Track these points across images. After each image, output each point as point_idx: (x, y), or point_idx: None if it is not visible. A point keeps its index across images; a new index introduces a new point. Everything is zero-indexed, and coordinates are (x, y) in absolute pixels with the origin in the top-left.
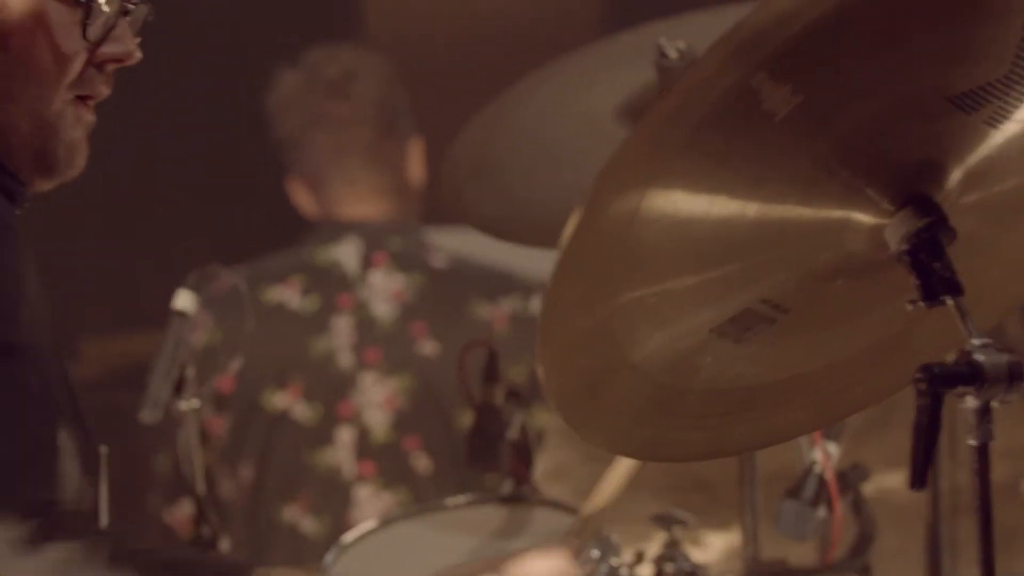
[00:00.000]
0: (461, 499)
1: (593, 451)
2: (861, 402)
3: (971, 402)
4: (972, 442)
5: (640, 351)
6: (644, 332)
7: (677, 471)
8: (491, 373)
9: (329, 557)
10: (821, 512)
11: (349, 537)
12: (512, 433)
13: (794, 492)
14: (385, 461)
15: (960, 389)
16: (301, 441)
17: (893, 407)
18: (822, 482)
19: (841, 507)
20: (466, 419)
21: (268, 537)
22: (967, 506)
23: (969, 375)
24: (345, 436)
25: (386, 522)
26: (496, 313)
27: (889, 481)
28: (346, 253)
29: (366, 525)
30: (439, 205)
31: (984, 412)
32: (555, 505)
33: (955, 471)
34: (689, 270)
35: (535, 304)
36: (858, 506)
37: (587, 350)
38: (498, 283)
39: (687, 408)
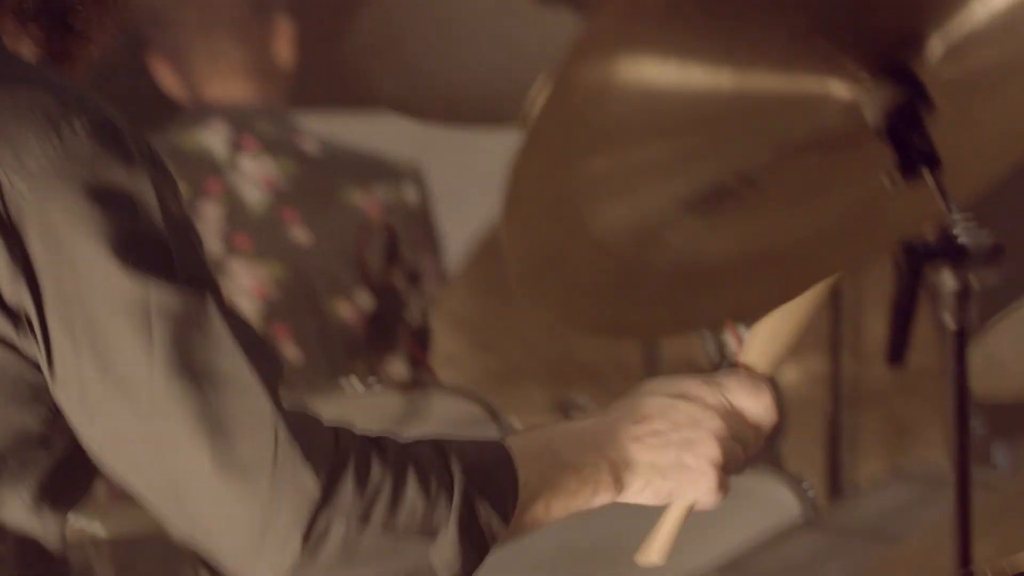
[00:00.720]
0: (359, 385)
1: (484, 340)
2: (830, 271)
3: (949, 281)
4: (951, 326)
5: (605, 225)
6: (610, 206)
7: (564, 360)
8: (390, 255)
9: None
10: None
11: None
12: (411, 316)
13: None
14: None
15: (939, 264)
16: None
17: None
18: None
19: None
20: (340, 309)
21: None
22: (869, 398)
23: (949, 251)
24: None
25: None
26: (369, 200)
27: (788, 376)
28: (213, 138)
29: None
30: (343, 86)
31: (964, 294)
32: (454, 392)
33: (858, 363)
34: (659, 142)
35: (408, 192)
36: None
37: (551, 223)
38: (371, 169)
39: (652, 284)
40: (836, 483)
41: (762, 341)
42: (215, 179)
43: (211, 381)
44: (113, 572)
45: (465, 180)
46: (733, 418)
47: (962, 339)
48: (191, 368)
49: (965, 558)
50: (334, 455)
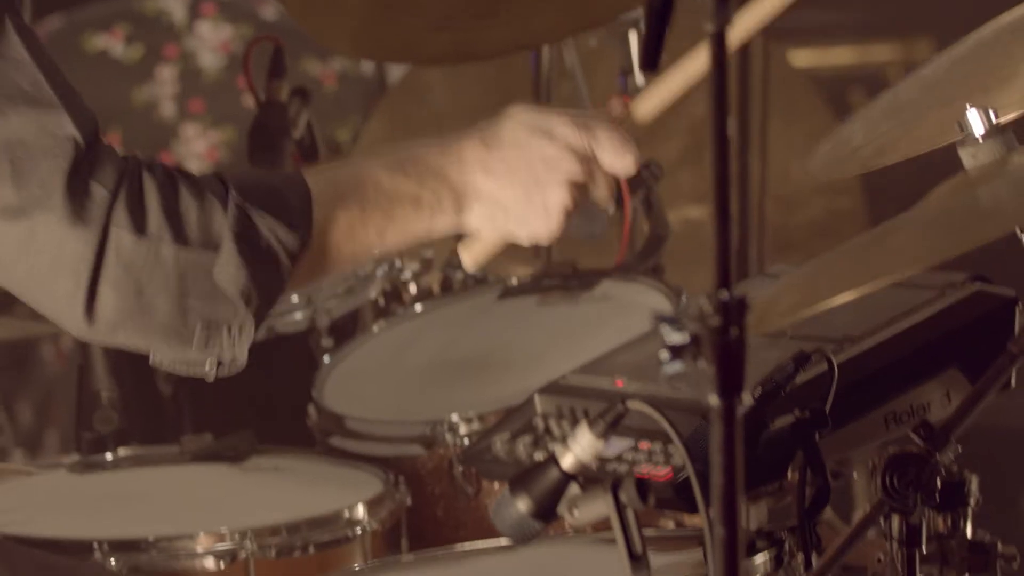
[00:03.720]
0: None
1: None
2: (616, 9)
3: None
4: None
5: None
6: None
7: None
8: (276, 68)
9: None
10: (610, 209)
11: None
12: (297, 131)
13: None
14: None
15: None
16: None
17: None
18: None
19: (632, 205)
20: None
21: None
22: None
23: None
24: None
25: None
26: (325, 71)
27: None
28: (173, 3)
29: None
30: None
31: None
32: None
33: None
34: None
35: (365, 63)
36: (650, 205)
37: None
38: None
39: (431, 5)
40: None
41: (650, 98)
42: (173, 44)
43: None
44: None
45: None
46: (590, 166)
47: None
48: None
49: None
50: (117, 177)
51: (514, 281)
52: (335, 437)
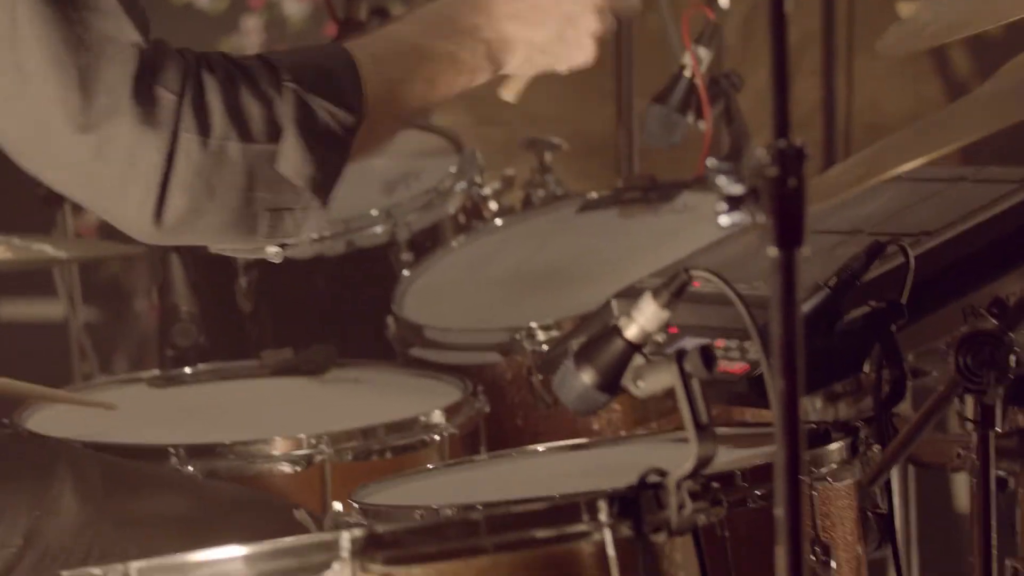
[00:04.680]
0: None
1: None
2: None
3: None
4: None
5: None
6: None
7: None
8: None
9: None
10: (689, 118)
11: None
12: None
13: (661, 97)
14: None
15: None
16: None
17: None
18: (691, 87)
19: (712, 115)
20: None
21: None
22: None
23: None
24: None
25: None
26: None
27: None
28: None
29: None
30: None
31: None
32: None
33: None
34: None
35: None
36: (730, 115)
37: None
38: None
39: None
40: None
41: None
42: None
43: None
44: None
45: None
46: None
47: None
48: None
49: None
50: (181, 80)
51: (594, 195)
52: (414, 348)
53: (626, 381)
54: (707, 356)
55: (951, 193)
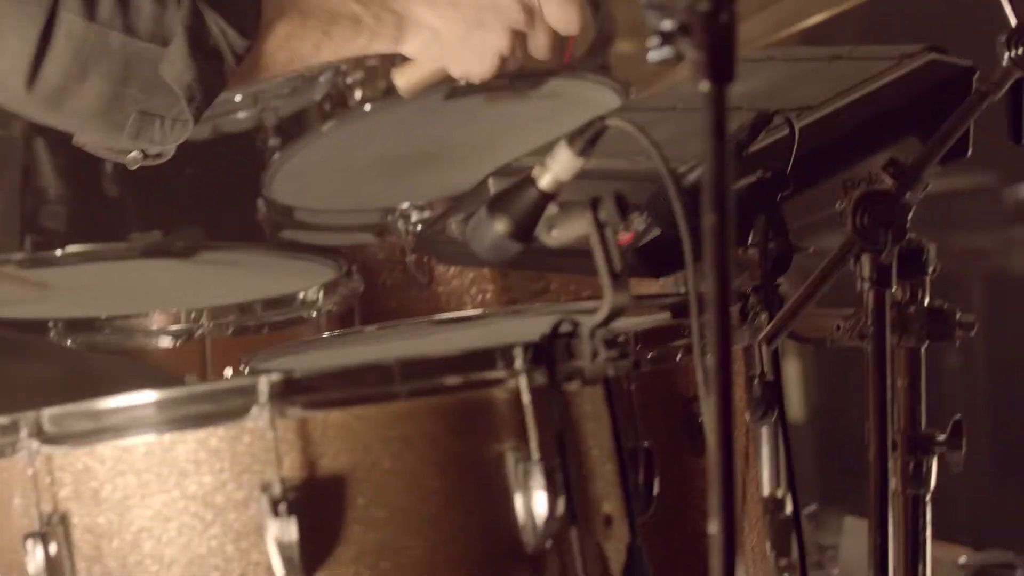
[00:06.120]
0: None
1: None
2: None
3: None
4: None
5: None
6: None
7: None
8: None
9: None
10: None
11: None
12: None
13: None
14: None
15: None
16: None
17: None
18: None
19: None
20: None
21: None
22: None
23: None
24: None
25: None
26: None
27: None
28: None
29: None
30: None
31: None
32: None
33: None
34: None
35: None
36: (598, 5)
37: None
38: None
39: None
40: None
41: None
42: None
43: None
44: None
45: None
46: (534, 17)
47: None
48: None
49: None
50: None
51: (461, 81)
52: (286, 230)
53: (539, 231)
54: (621, 204)
55: (828, 71)
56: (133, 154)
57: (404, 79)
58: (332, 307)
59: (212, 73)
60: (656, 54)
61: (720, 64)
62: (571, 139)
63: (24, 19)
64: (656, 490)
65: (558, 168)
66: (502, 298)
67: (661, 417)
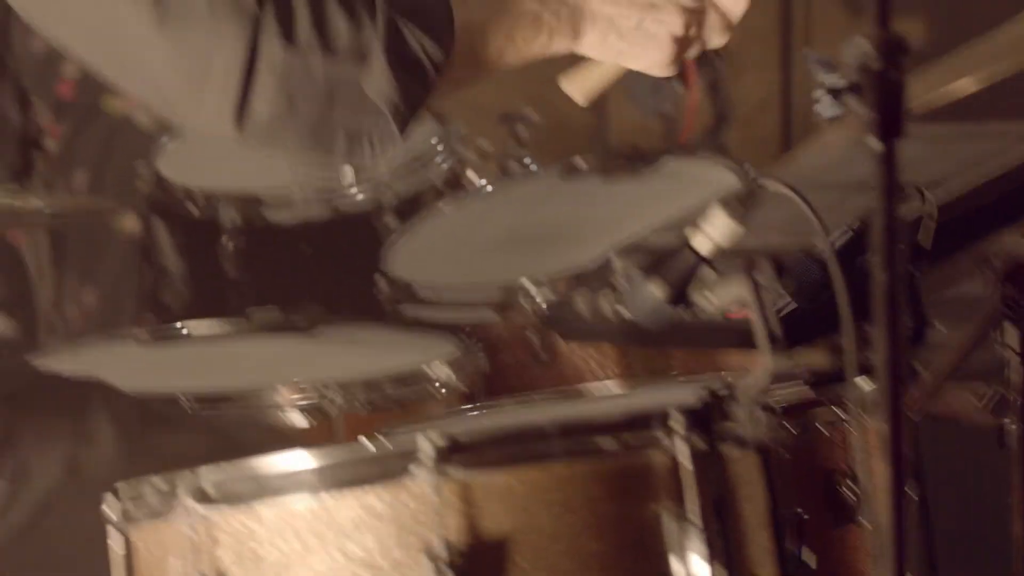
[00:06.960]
0: None
1: None
2: None
3: None
4: None
5: None
6: None
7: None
8: None
9: None
10: (677, 87)
11: None
12: None
13: None
14: None
15: None
16: (140, 147)
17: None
18: None
19: (699, 86)
20: None
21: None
22: None
23: None
24: None
25: None
26: None
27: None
28: None
29: None
30: None
31: None
32: None
33: None
34: None
35: None
36: (716, 86)
37: None
38: None
39: None
40: None
41: None
42: None
43: None
44: None
45: None
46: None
47: None
48: None
49: None
50: None
51: (576, 161)
52: (406, 306)
53: (695, 296)
54: (779, 266)
55: (971, 145)
56: (348, 174)
57: (577, 86)
58: (460, 383)
59: (415, 87)
60: (825, 110)
61: (890, 122)
62: (725, 202)
63: (228, 52)
64: (809, 558)
65: (714, 231)
66: (624, 375)
67: (808, 487)
